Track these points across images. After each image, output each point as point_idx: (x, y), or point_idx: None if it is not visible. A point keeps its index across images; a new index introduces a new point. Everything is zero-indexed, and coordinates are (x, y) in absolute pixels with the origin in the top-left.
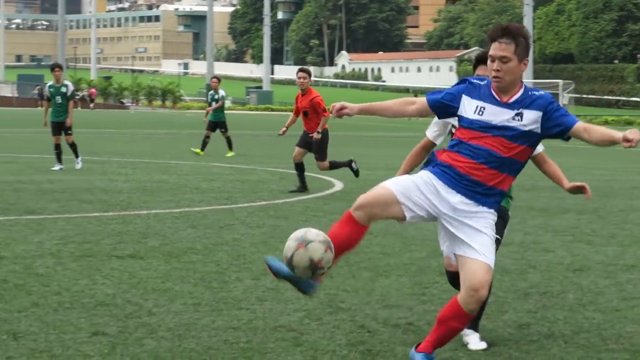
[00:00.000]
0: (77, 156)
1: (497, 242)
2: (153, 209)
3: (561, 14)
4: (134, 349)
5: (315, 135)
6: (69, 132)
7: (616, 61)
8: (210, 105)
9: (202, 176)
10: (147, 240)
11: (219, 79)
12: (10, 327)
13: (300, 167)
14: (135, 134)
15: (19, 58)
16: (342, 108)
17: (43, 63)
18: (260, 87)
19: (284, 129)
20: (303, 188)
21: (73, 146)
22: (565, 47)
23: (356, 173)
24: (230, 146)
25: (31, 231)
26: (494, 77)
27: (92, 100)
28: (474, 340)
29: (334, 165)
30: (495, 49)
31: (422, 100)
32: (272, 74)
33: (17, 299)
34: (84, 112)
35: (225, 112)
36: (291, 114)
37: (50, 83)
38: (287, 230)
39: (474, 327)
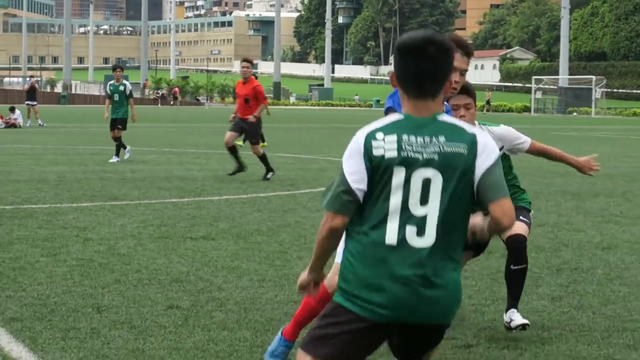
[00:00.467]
0: (117, 153)
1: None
2: (224, 195)
3: (595, 15)
4: (205, 321)
5: (251, 118)
6: (120, 126)
7: None
8: None
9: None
10: (218, 223)
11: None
12: (94, 301)
13: (233, 150)
14: (209, 127)
15: (106, 60)
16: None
17: (128, 65)
18: (322, 85)
19: (234, 115)
20: (241, 168)
21: (118, 140)
22: (598, 46)
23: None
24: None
25: (114, 215)
26: (454, 88)
27: (175, 98)
28: (517, 317)
29: (264, 158)
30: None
31: None
32: (333, 72)
33: (101, 276)
34: (164, 108)
35: (291, 107)
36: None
37: (111, 82)
38: None
39: (515, 305)
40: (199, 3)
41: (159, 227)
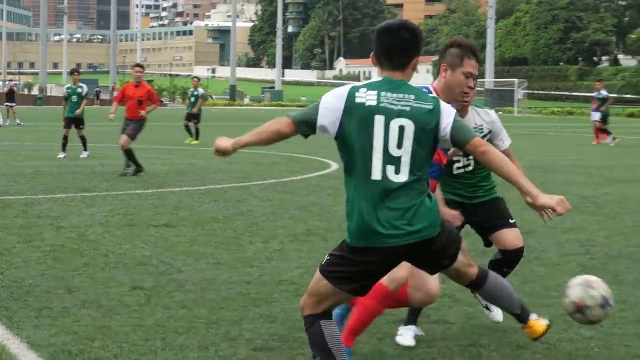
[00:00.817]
0: (85, 149)
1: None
2: (184, 186)
3: (518, 25)
4: (166, 300)
5: (144, 114)
6: (81, 127)
7: (562, 63)
8: (190, 100)
9: (223, 160)
10: (179, 212)
11: (199, 79)
12: (66, 283)
13: (129, 153)
14: (171, 126)
15: (79, 66)
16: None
17: (98, 70)
18: (273, 88)
19: (113, 115)
20: (139, 168)
21: (83, 139)
22: (520, 52)
23: (136, 171)
24: (197, 136)
25: (85, 206)
26: (466, 93)
27: None
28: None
29: (130, 154)
30: (474, 68)
31: None
32: (283, 76)
33: (72, 261)
34: None
35: (245, 107)
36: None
37: (68, 85)
38: (292, 203)
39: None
40: (163, 14)
41: (125, 216)
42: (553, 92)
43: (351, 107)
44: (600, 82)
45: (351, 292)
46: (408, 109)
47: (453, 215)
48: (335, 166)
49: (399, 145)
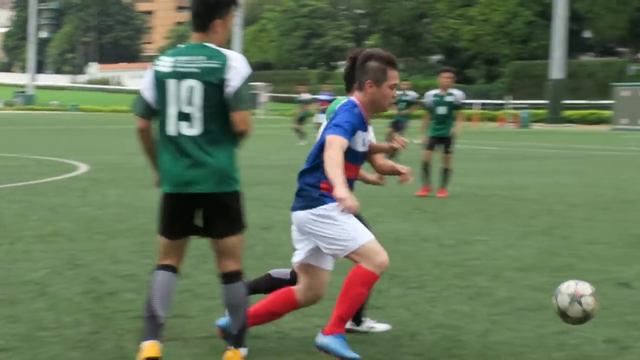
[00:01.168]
0: None
1: None
2: None
3: (263, 32)
4: None
5: None
6: None
7: (303, 68)
8: None
9: None
10: None
11: None
12: None
13: None
14: None
15: None
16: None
17: None
18: (25, 92)
19: None
20: None
21: None
22: (265, 57)
23: None
24: None
25: None
26: (392, 103)
27: None
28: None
29: None
30: (398, 78)
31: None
32: (35, 81)
33: None
34: None
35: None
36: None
37: None
38: (40, 205)
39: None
40: None
41: None
42: (294, 95)
43: (154, 76)
44: (302, 86)
45: (172, 237)
46: (197, 70)
47: (353, 204)
48: (83, 168)
49: (189, 103)
